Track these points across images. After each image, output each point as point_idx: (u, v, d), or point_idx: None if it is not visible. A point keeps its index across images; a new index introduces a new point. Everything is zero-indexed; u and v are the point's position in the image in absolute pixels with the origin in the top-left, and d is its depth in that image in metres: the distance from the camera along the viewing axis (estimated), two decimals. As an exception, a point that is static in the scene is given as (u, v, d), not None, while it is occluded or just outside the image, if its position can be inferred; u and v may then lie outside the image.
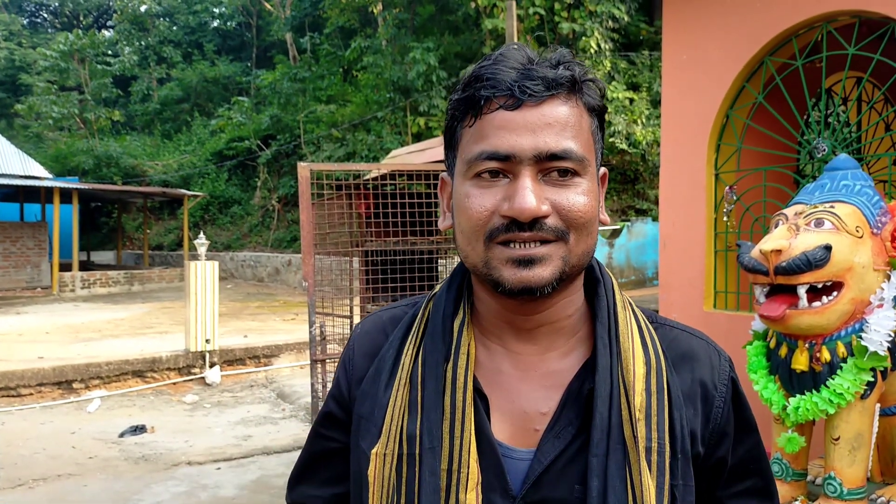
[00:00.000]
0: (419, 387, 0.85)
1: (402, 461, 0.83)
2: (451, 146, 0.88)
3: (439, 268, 4.74)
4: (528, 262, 0.79)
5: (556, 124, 0.79)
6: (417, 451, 0.83)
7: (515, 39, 10.42)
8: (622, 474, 0.80)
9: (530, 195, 0.77)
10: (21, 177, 18.02)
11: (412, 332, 0.91)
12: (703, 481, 0.89)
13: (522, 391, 0.86)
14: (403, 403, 0.86)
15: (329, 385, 4.27)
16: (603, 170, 0.91)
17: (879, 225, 2.26)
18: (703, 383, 0.90)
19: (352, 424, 0.92)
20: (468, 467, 0.81)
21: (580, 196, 0.80)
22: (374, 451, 0.85)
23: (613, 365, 0.84)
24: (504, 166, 0.79)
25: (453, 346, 0.86)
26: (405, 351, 0.90)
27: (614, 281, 0.93)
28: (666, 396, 0.85)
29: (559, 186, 0.80)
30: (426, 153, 5.11)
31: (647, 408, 0.83)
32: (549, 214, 0.79)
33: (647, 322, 0.92)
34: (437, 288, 0.95)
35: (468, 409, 0.83)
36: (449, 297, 0.90)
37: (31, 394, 7.61)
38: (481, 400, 0.85)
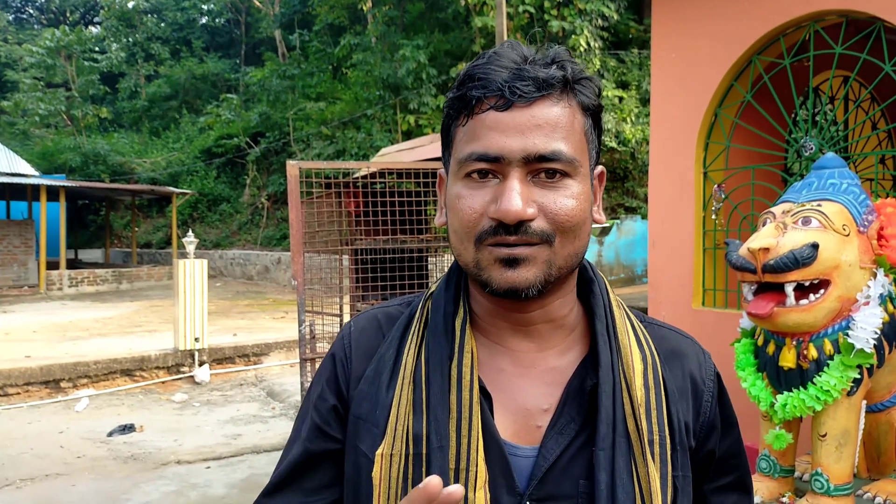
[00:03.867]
0: (423, 386, 0.85)
1: (409, 461, 0.82)
2: (446, 145, 0.88)
3: (429, 266, 4.74)
4: (512, 263, 0.79)
5: (545, 125, 0.79)
6: (424, 451, 0.82)
7: (505, 37, 10.42)
8: (629, 467, 0.82)
9: (516, 197, 0.77)
10: (7, 174, 17.86)
11: (411, 331, 0.90)
12: (692, 475, 0.91)
13: (524, 388, 0.87)
14: (408, 403, 0.85)
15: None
16: (600, 168, 0.90)
17: (866, 223, 2.28)
18: (693, 379, 0.92)
19: (347, 426, 0.90)
20: (476, 466, 0.81)
21: (568, 199, 0.80)
22: (379, 451, 0.84)
23: (615, 361, 0.85)
24: (493, 167, 0.80)
25: (457, 345, 0.86)
26: (406, 350, 0.89)
27: (606, 280, 0.95)
28: (663, 391, 0.87)
29: (547, 188, 0.80)
30: (416, 151, 5.11)
31: (647, 402, 0.85)
32: (535, 217, 0.79)
33: (638, 321, 0.94)
34: (434, 287, 0.95)
35: (475, 407, 0.82)
36: (448, 295, 0.90)
37: (19, 393, 7.55)
38: (485, 398, 0.85)
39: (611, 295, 0.92)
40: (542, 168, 0.79)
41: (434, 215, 4.83)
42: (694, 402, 0.91)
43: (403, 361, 0.88)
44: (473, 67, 0.81)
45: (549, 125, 0.79)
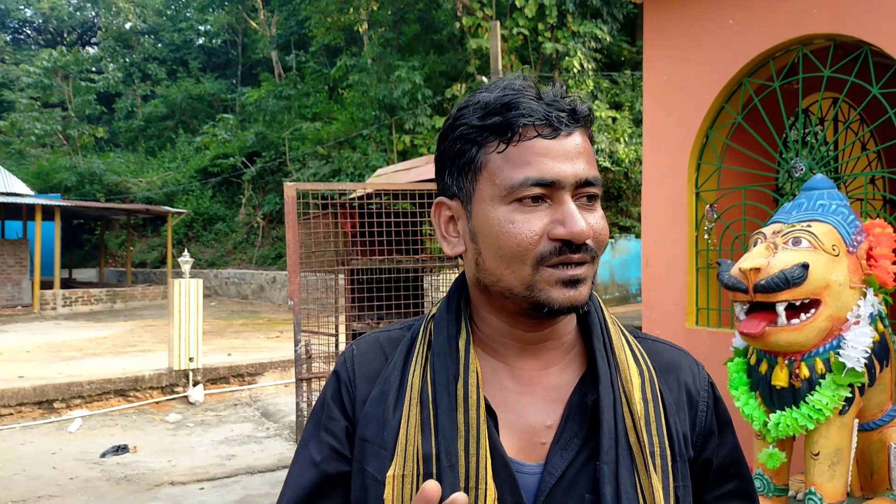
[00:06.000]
0: (430, 406, 0.87)
1: (421, 482, 0.83)
2: (462, 171, 0.88)
3: (424, 285, 4.76)
4: (575, 283, 0.85)
5: (584, 153, 0.86)
6: (435, 471, 0.83)
7: (500, 59, 10.52)
8: (632, 479, 0.84)
9: (581, 219, 0.83)
10: (2, 193, 17.85)
11: (415, 353, 0.92)
12: (691, 484, 0.93)
13: (527, 406, 0.89)
14: (416, 423, 0.86)
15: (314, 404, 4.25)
16: None
17: (855, 243, 2.32)
18: (688, 390, 0.95)
19: (354, 449, 0.91)
20: (485, 484, 0.82)
21: (602, 220, 0.87)
22: (390, 473, 0.85)
23: (613, 376, 0.89)
24: (547, 192, 0.84)
25: (462, 365, 0.88)
26: (411, 371, 0.90)
27: (600, 299, 0.98)
28: (661, 403, 0.90)
29: (588, 210, 0.86)
30: (412, 172, 5.14)
31: (647, 415, 0.88)
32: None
33: (632, 336, 0.97)
34: (434, 309, 0.97)
35: (482, 426, 0.84)
36: (450, 317, 0.93)
37: (11, 413, 7.50)
38: (490, 417, 0.87)
39: (605, 312, 0.95)
40: (585, 193, 0.86)
41: (430, 235, 4.85)
42: (690, 412, 0.94)
43: (409, 382, 0.90)
44: (504, 96, 0.85)
45: (587, 153, 0.87)
